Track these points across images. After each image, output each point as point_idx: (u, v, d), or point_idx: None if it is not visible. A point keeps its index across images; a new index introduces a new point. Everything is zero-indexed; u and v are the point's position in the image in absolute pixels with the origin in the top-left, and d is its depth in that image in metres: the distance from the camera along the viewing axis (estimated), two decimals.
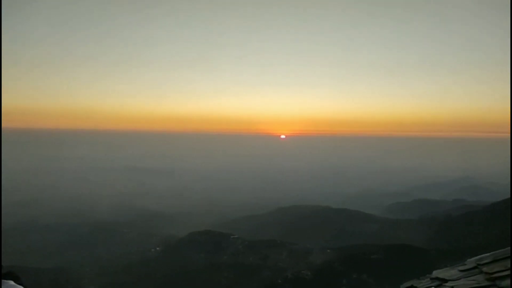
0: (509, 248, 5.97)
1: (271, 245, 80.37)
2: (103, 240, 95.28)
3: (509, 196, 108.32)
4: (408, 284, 6.19)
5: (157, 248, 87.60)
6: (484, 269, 5.67)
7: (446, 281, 5.76)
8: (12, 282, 3.20)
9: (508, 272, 5.34)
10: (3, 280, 3.18)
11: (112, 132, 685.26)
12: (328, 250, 76.96)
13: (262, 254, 77.36)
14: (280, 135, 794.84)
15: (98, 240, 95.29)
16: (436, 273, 6.10)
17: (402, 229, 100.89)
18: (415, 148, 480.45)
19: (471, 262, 6.07)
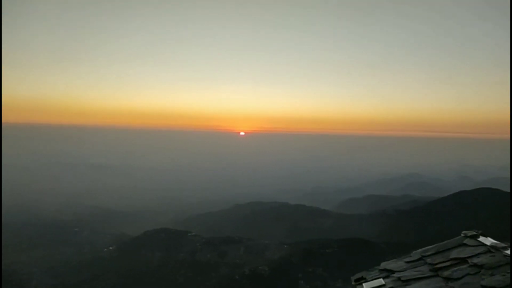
0: (450, 240, 6.38)
1: (228, 242, 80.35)
2: (53, 240, 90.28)
3: (453, 192, 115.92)
4: (358, 275, 6.40)
5: (111, 247, 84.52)
6: (428, 260, 6.01)
7: (393, 272, 6.03)
8: None
9: (449, 263, 5.70)
10: None
11: (62, 127, 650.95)
12: (285, 246, 78.25)
13: (219, 251, 77.14)
14: (239, 132, 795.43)
15: (47, 239, 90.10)
16: (384, 265, 6.37)
17: (355, 223, 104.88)
18: (367, 146, 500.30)
19: (416, 254, 6.40)
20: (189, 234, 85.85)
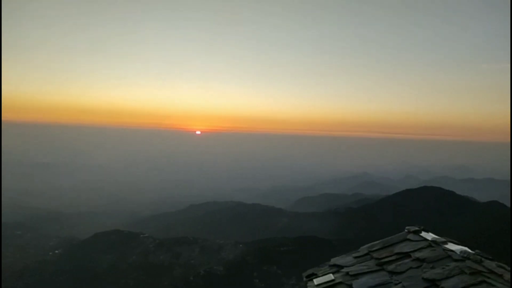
0: (394, 236, 6.68)
1: (183, 243, 79.06)
2: None
3: (400, 190, 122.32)
4: (310, 272, 6.53)
5: (57, 251, 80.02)
6: (374, 255, 6.25)
7: (342, 267, 6.22)
8: None
9: (394, 257, 5.96)
10: None
11: (2, 123, 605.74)
12: (240, 245, 78.38)
13: (173, 252, 75.70)
14: (195, 131, 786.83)
15: None
16: (333, 260, 6.56)
17: (309, 221, 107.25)
18: (321, 146, 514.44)
19: (363, 249, 6.64)
20: (141, 235, 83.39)
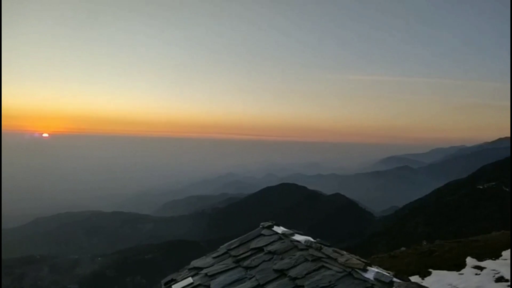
0: (251, 232, 7.04)
1: (27, 263, 68.71)
2: None
3: (261, 188, 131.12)
4: (168, 278, 6.37)
5: None
6: (232, 253, 6.46)
7: (201, 268, 6.25)
8: None
9: (249, 253, 6.26)
10: None
11: None
12: (99, 258, 72.34)
13: (15, 274, 65.11)
14: (42, 134, 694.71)
15: None
16: (193, 263, 6.54)
17: (177, 225, 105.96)
18: (186, 149, 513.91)
19: (222, 248, 6.81)
20: None
